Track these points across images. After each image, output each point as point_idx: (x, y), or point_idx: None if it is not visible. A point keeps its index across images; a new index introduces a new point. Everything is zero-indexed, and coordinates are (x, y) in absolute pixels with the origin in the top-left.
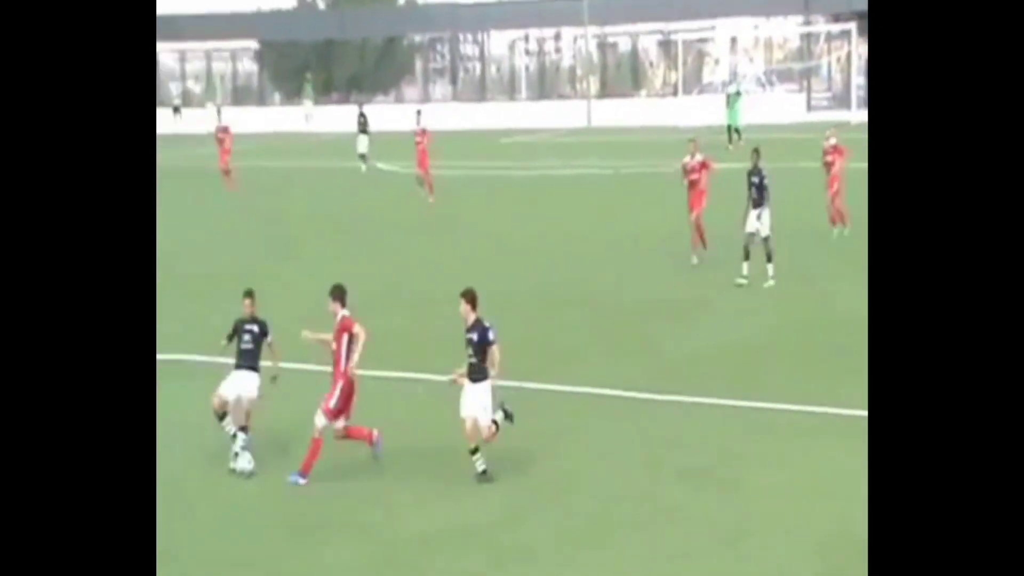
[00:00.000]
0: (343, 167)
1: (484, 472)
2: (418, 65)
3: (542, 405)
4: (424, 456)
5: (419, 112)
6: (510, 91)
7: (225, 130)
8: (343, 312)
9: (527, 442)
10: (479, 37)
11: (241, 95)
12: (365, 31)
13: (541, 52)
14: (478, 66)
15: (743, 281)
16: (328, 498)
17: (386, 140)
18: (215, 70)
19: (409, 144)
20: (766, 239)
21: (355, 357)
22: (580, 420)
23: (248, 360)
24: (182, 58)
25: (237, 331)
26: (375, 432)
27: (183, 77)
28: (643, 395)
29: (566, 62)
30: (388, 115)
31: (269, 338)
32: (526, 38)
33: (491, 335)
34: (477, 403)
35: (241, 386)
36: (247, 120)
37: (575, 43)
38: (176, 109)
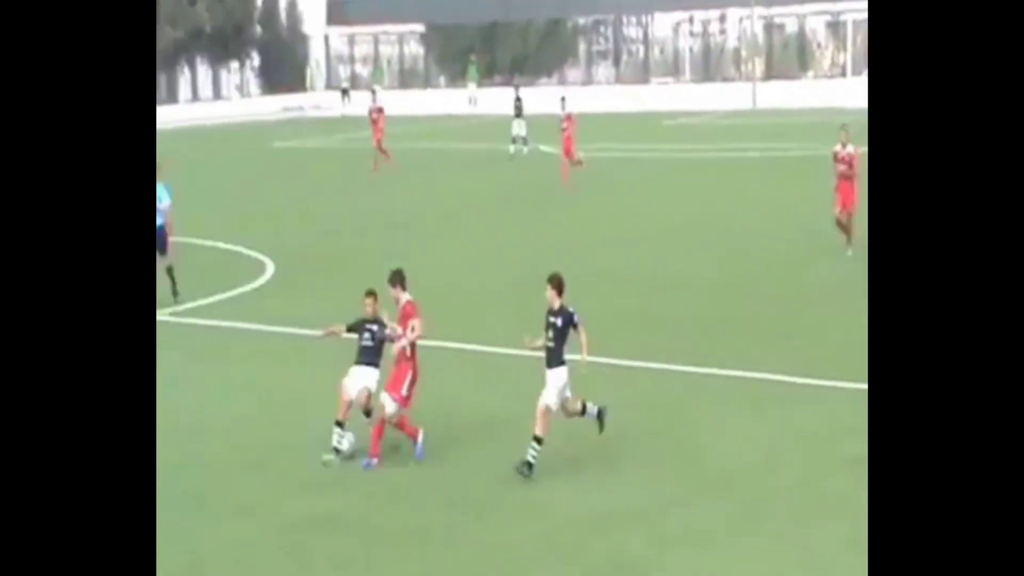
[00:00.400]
0: (502, 149)
1: (530, 465)
2: (581, 47)
3: (708, 390)
4: (586, 437)
5: (563, 99)
6: (674, 73)
7: (379, 110)
8: (406, 297)
9: (692, 428)
10: (643, 19)
11: (407, 78)
12: (529, 13)
13: (706, 33)
14: (641, 48)
15: None
16: (496, 478)
17: (548, 123)
18: (382, 53)
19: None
20: None
21: (408, 344)
22: (742, 406)
23: (368, 357)
24: (351, 42)
25: (358, 328)
26: (421, 432)
27: (351, 60)
28: (803, 380)
29: (731, 43)
30: (551, 98)
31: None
32: (691, 20)
33: (576, 318)
34: (553, 390)
35: (361, 381)
36: (412, 102)
37: (740, 24)
38: (345, 92)
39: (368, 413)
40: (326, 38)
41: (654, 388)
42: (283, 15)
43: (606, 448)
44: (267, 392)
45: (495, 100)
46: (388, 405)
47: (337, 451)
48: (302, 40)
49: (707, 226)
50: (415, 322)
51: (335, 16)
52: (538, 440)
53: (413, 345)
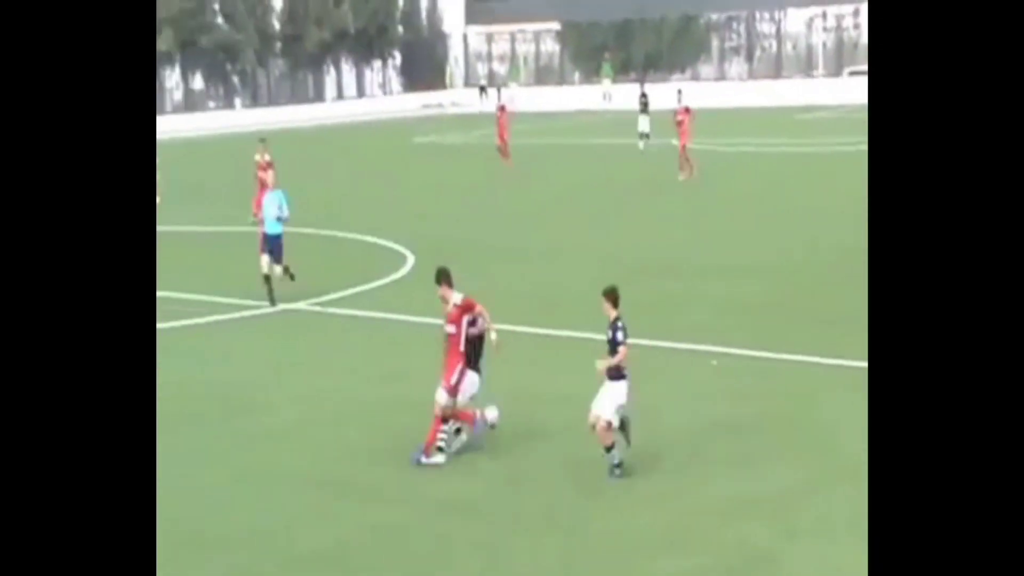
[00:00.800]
0: (633, 144)
1: (619, 464)
2: (714, 44)
3: (837, 380)
4: (715, 426)
5: (680, 91)
6: (806, 68)
7: (502, 108)
8: (458, 295)
9: (822, 418)
10: (776, 15)
11: (543, 74)
12: (663, 10)
13: (839, 28)
14: (774, 43)
15: None
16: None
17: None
18: (519, 51)
19: (703, 121)
20: None
21: (491, 332)
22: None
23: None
24: (489, 40)
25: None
26: (478, 413)
27: (489, 58)
28: None
29: (864, 39)
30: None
31: None
32: (824, 15)
33: (620, 336)
34: (610, 403)
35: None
36: (548, 98)
37: None
38: (482, 89)
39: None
40: (465, 37)
41: (783, 378)
42: (424, 15)
43: (734, 438)
44: (406, 379)
45: (629, 96)
46: (439, 397)
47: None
48: (442, 39)
49: (831, 216)
50: (479, 307)
51: (474, 15)
52: (609, 449)
53: (467, 338)
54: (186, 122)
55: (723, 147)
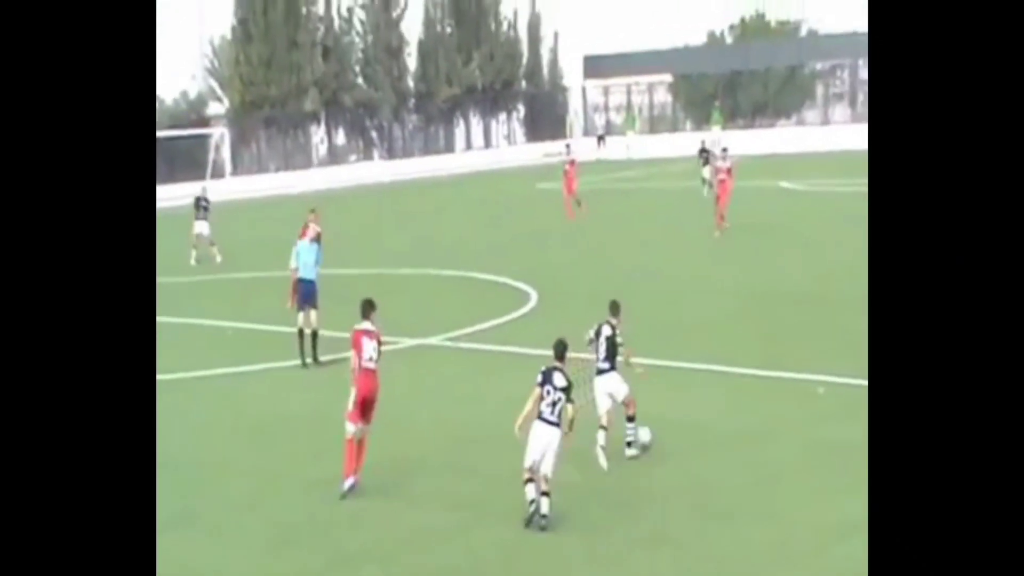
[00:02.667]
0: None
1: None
2: (819, 90)
3: None
4: (829, 447)
5: (725, 149)
6: None
7: (571, 163)
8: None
9: None
10: None
11: (656, 123)
12: (769, 61)
13: None
14: None
15: None
16: (737, 486)
17: (784, 161)
18: (634, 102)
19: (813, 162)
20: None
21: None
22: None
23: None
24: (606, 92)
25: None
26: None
27: (606, 109)
28: None
29: None
30: (789, 138)
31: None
32: None
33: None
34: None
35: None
36: (661, 145)
37: None
38: (600, 138)
39: (631, 419)
40: (583, 90)
41: None
42: (545, 70)
43: (845, 458)
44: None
45: (739, 142)
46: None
47: (630, 444)
48: (562, 92)
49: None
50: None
51: (592, 70)
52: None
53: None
54: (331, 174)
55: (828, 188)
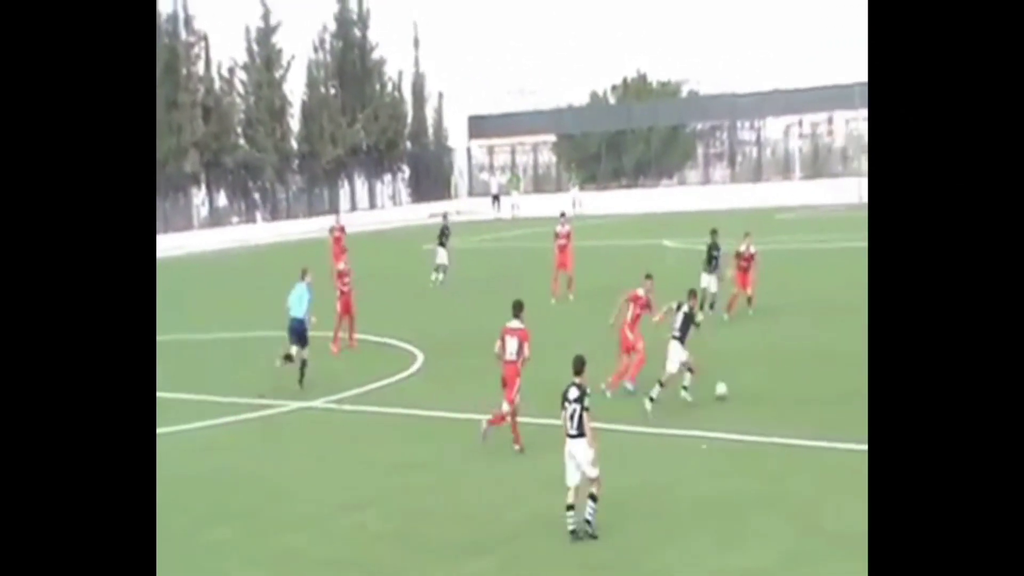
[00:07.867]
0: (597, 246)
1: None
2: (699, 151)
3: (817, 461)
4: (706, 504)
5: (748, 234)
6: (784, 171)
7: (567, 234)
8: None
9: (806, 495)
10: (755, 123)
11: (541, 182)
12: (650, 121)
13: (814, 135)
14: (755, 150)
15: None
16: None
17: (669, 220)
18: (518, 162)
19: (690, 222)
20: None
21: None
22: None
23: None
24: (490, 152)
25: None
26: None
27: (491, 169)
28: None
29: (838, 143)
30: (672, 198)
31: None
32: (800, 123)
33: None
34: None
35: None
36: (546, 205)
37: (847, 125)
38: (495, 198)
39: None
40: (468, 150)
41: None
42: (430, 131)
43: (727, 514)
44: (411, 469)
45: (623, 202)
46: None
47: None
48: (447, 152)
49: (844, 305)
50: None
51: (476, 130)
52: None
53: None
54: (213, 236)
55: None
